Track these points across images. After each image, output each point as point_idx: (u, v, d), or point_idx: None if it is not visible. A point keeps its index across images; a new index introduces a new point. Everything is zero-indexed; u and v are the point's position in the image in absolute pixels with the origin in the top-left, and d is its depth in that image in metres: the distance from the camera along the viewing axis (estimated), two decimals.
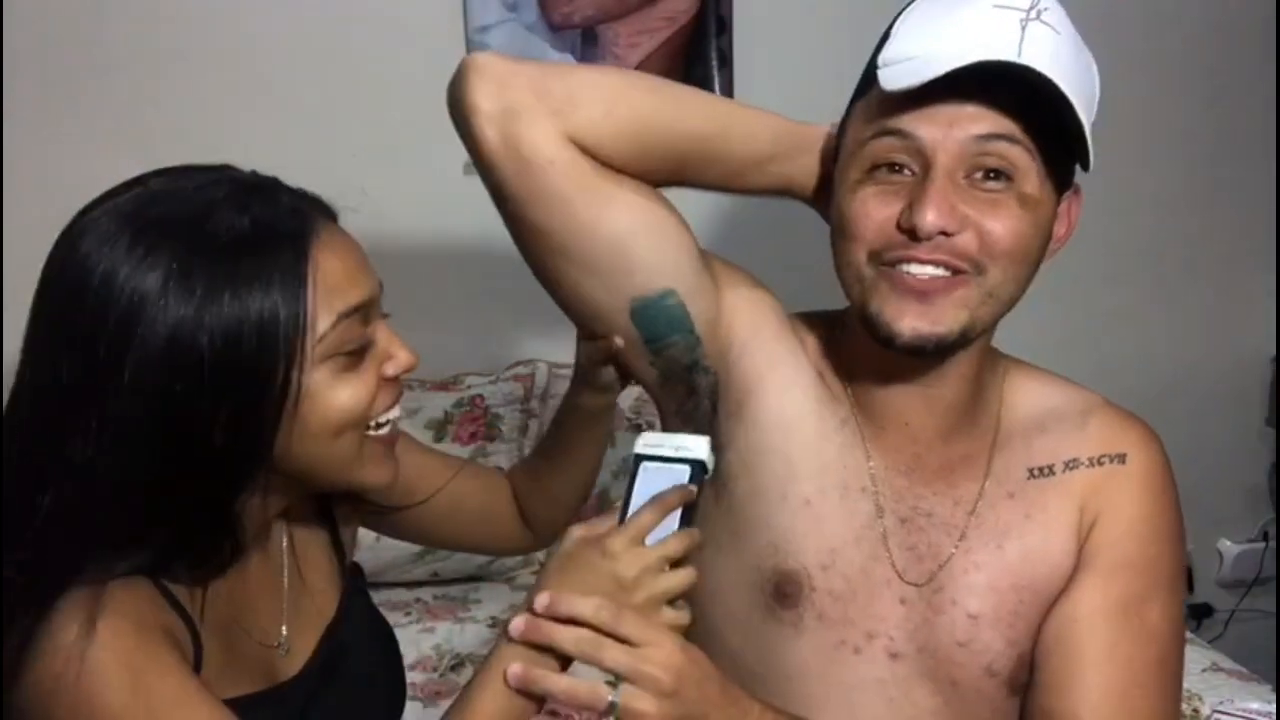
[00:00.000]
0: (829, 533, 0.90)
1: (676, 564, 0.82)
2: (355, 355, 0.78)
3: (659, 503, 0.82)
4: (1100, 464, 0.91)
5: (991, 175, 0.80)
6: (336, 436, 0.78)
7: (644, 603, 0.80)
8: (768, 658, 0.92)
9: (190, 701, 0.72)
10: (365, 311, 0.79)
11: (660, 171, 0.88)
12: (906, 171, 0.81)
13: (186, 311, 0.71)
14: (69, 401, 0.72)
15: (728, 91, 2.25)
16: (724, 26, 2.25)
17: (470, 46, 2.16)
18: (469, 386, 2.20)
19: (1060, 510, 0.90)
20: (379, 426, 0.82)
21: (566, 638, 0.76)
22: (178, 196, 0.76)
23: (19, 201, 2.01)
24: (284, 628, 0.89)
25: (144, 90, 2.05)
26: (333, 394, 0.77)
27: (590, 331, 0.97)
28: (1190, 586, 2.73)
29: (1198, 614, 2.73)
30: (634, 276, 0.88)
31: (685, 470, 0.84)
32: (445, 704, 1.70)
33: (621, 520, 0.83)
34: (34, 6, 1.99)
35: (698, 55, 2.26)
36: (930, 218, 0.78)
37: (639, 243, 0.88)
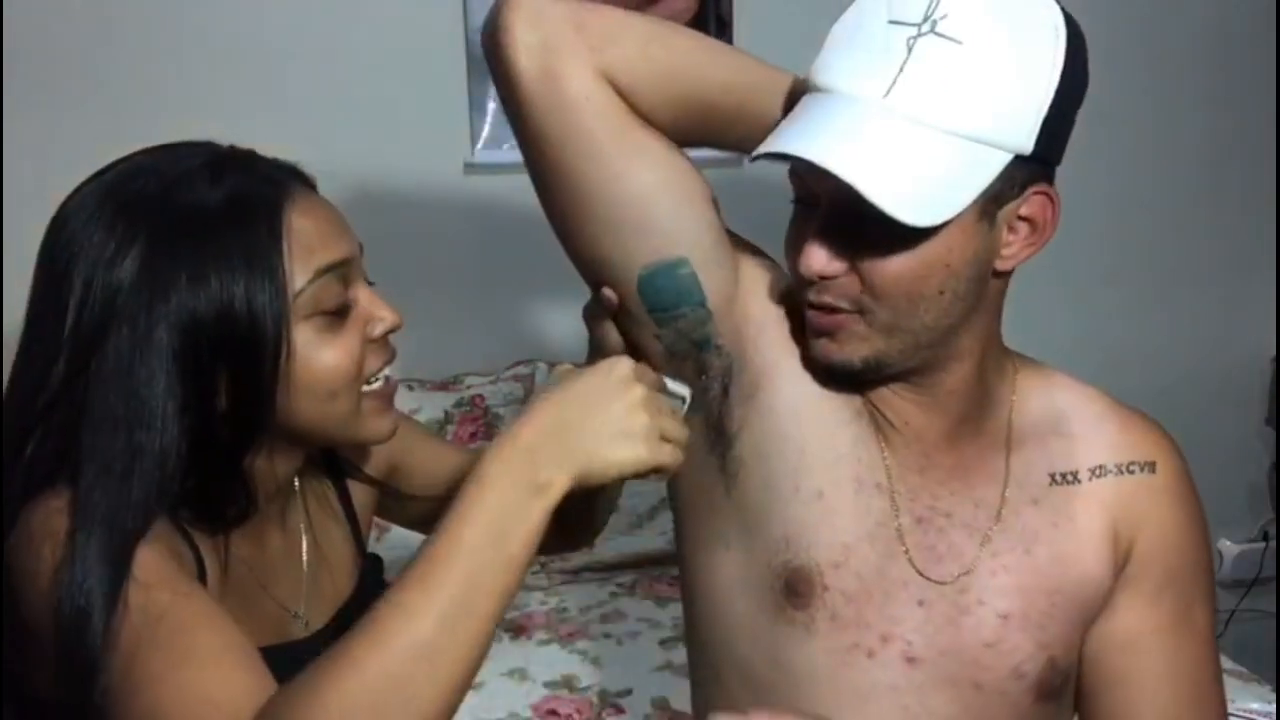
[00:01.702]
0: (842, 528, 0.86)
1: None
2: (337, 315, 0.80)
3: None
4: (1129, 472, 0.90)
5: (870, 218, 0.75)
6: (331, 398, 0.81)
7: (640, 428, 0.75)
8: (777, 662, 0.87)
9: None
10: (342, 271, 0.81)
11: (688, 121, 0.86)
12: (816, 206, 0.81)
13: (171, 295, 0.75)
14: (63, 386, 0.75)
15: None
16: (724, 26, 2.25)
17: (470, 47, 2.16)
18: (469, 386, 2.20)
19: (1090, 519, 0.88)
20: (372, 382, 0.84)
21: None
22: (156, 171, 0.79)
23: (19, 201, 2.01)
24: (302, 602, 0.92)
25: (144, 89, 2.05)
26: (319, 355, 0.79)
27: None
28: None
29: None
30: (650, 238, 0.85)
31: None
32: None
33: None
34: (34, 6, 1.99)
35: None
36: (805, 264, 0.80)
37: (661, 202, 0.85)
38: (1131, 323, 2.57)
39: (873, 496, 0.86)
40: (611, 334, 0.93)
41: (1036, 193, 0.80)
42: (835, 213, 0.78)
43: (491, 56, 0.86)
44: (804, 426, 0.87)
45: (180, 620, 0.72)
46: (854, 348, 0.82)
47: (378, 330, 0.83)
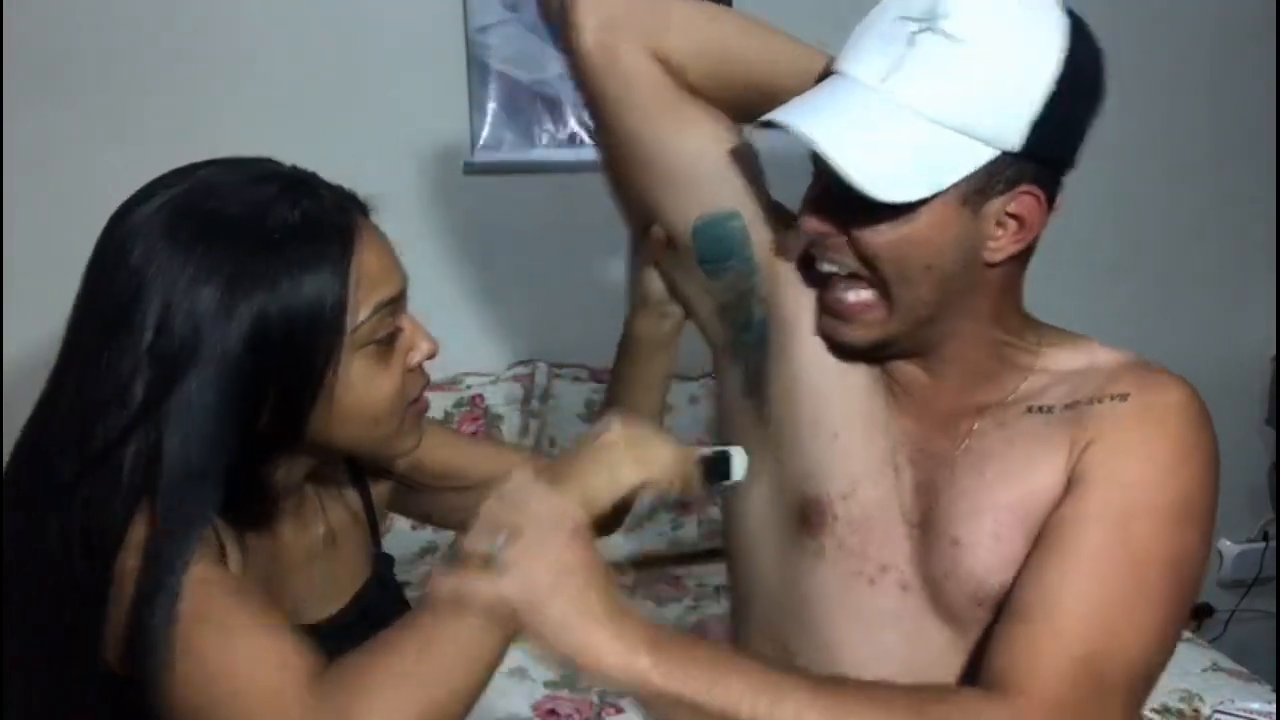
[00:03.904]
0: (852, 465, 0.93)
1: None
2: (386, 344, 0.83)
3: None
4: (1100, 401, 0.88)
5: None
6: (375, 424, 0.84)
7: (621, 458, 0.84)
8: (792, 583, 0.96)
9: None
10: (396, 304, 0.84)
11: (733, 97, 0.94)
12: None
13: (241, 325, 0.76)
14: (144, 408, 0.77)
15: None
16: None
17: (470, 46, 2.16)
18: (469, 386, 2.20)
19: (1048, 437, 0.88)
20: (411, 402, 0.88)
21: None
22: (232, 192, 0.80)
23: (19, 201, 2.01)
24: (315, 595, 0.94)
25: (144, 89, 2.05)
26: (370, 384, 0.82)
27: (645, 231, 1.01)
28: None
29: (1198, 614, 2.73)
30: (700, 193, 0.94)
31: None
32: None
33: None
34: (34, 6, 1.99)
35: None
36: (802, 223, 0.88)
37: (710, 162, 0.94)
38: (1131, 323, 2.56)
39: (877, 440, 0.94)
40: (655, 282, 1.03)
41: (1024, 191, 0.83)
42: (832, 182, 0.83)
43: (560, 31, 0.96)
44: (824, 375, 0.95)
45: (228, 601, 0.76)
46: (864, 331, 0.89)
47: (416, 359, 0.86)
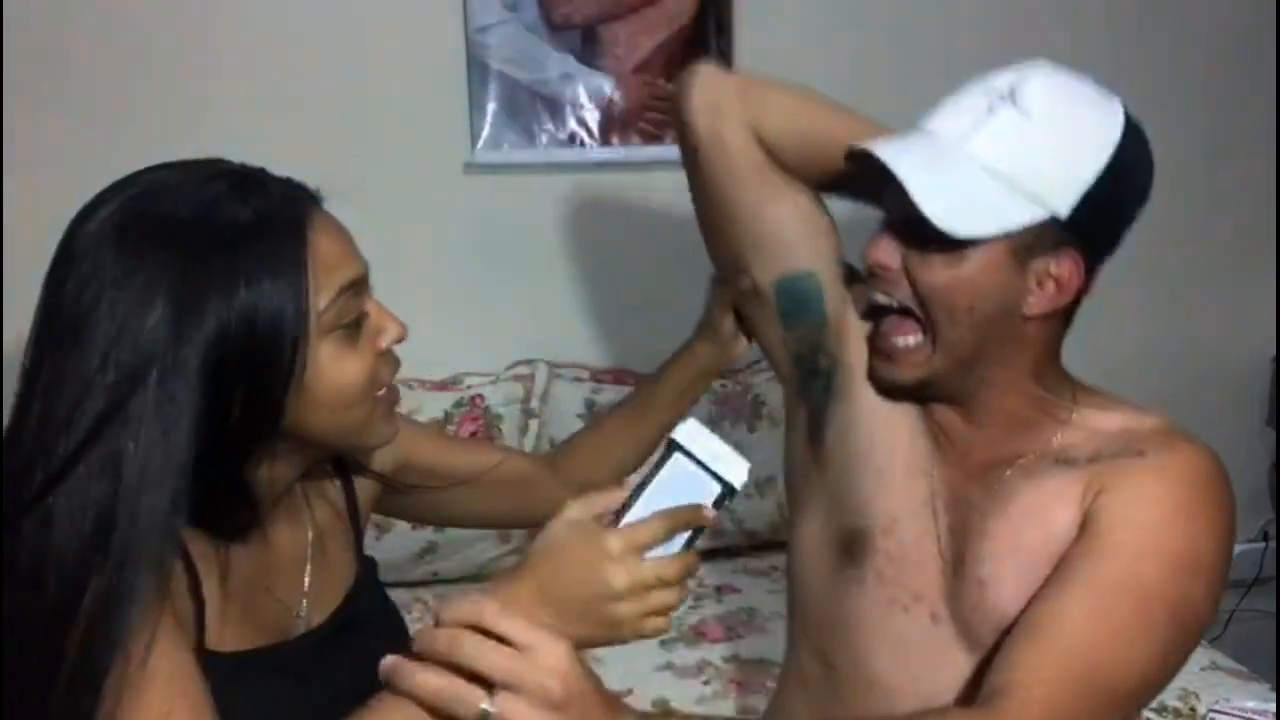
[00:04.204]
0: (893, 502, 1.02)
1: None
2: (352, 328, 0.83)
3: (673, 518, 0.78)
4: (1118, 457, 0.96)
5: (926, 234, 0.93)
6: (347, 408, 0.84)
7: (625, 618, 0.76)
8: (836, 607, 1.05)
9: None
10: (358, 287, 0.84)
11: (819, 173, 1.06)
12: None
13: (203, 317, 0.75)
14: (79, 420, 0.75)
15: None
16: (724, 26, 2.25)
17: (470, 46, 2.17)
18: (469, 386, 2.20)
19: (1068, 486, 0.95)
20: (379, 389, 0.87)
21: (440, 639, 0.71)
22: (180, 192, 0.79)
23: (19, 201, 2.01)
24: (304, 599, 0.94)
25: (144, 89, 2.05)
26: (339, 368, 0.82)
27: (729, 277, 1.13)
28: None
29: None
30: (785, 254, 1.07)
31: (715, 489, 0.80)
32: None
33: (629, 503, 0.78)
34: (34, 6, 1.99)
35: (698, 55, 2.25)
36: (868, 252, 0.98)
37: (792, 228, 1.07)
38: (1132, 324, 2.57)
39: (918, 481, 1.02)
40: (729, 321, 1.17)
41: (1067, 256, 0.94)
42: (902, 222, 0.95)
43: (673, 112, 1.10)
44: (875, 420, 1.05)
45: (149, 670, 0.74)
46: (910, 371, 0.99)
47: (385, 342, 0.86)
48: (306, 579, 0.95)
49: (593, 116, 2.24)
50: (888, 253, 0.96)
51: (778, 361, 1.14)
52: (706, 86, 1.06)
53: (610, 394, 2.23)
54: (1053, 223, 0.92)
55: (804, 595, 1.11)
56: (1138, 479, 0.93)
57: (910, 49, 2.27)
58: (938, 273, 0.94)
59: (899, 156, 0.92)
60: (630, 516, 0.78)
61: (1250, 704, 1.66)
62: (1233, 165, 2.56)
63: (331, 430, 0.84)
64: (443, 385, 2.19)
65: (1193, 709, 1.68)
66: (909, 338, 0.98)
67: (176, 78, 2.06)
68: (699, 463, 0.79)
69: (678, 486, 0.79)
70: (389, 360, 0.87)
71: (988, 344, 0.96)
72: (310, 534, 0.96)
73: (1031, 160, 0.92)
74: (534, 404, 2.22)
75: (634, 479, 0.79)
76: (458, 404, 2.17)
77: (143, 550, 0.74)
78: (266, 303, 0.77)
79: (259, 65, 2.10)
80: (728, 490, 0.80)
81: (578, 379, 2.26)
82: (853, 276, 1.08)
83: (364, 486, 1.04)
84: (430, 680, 0.71)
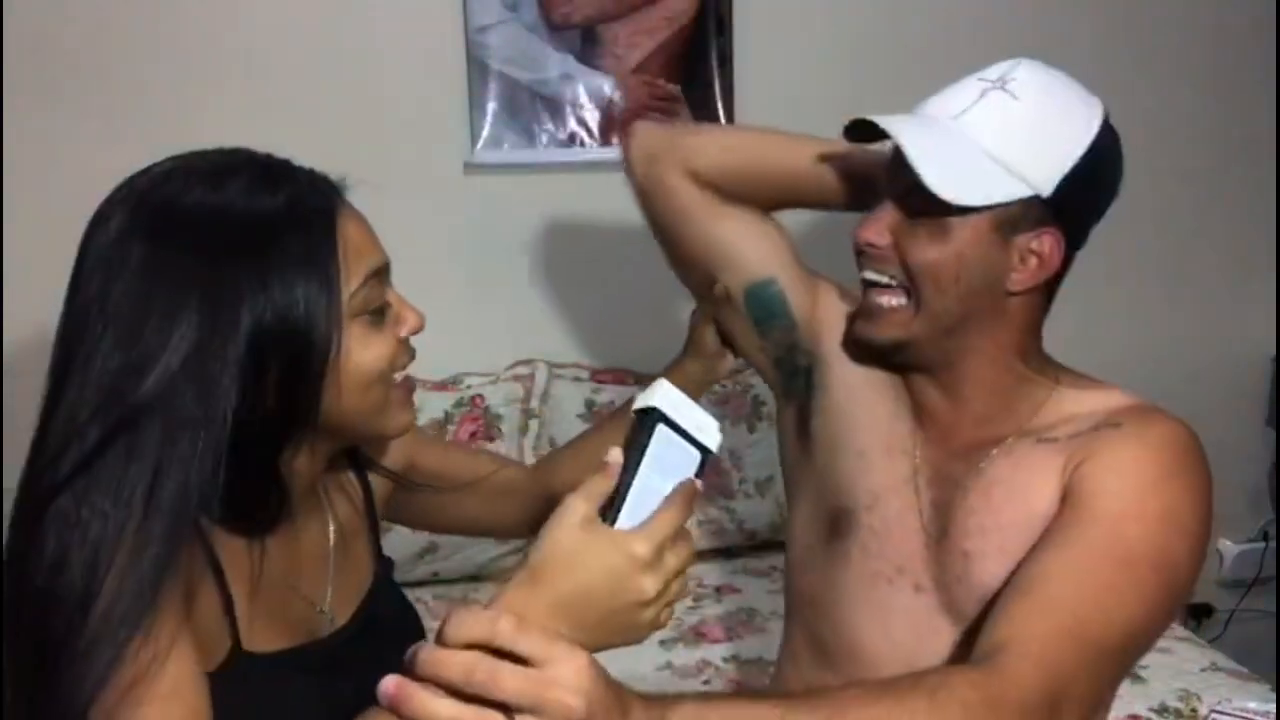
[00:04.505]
0: (874, 480, 1.08)
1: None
2: (378, 314, 0.86)
3: (680, 505, 0.74)
4: (1096, 430, 0.99)
5: (916, 211, 0.99)
6: (367, 390, 0.85)
7: (651, 619, 0.73)
8: (825, 582, 1.11)
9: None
10: (383, 274, 0.87)
11: (760, 197, 1.16)
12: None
13: (236, 308, 0.77)
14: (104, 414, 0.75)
15: (727, 91, 2.26)
16: (724, 26, 2.25)
17: (470, 46, 2.17)
18: (469, 386, 2.20)
19: (1048, 463, 0.99)
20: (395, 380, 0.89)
21: (451, 664, 0.65)
22: (207, 181, 0.80)
23: (19, 201, 2.01)
24: (329, 598, 0.95)
25: (144, 88, 2.05)
26: (364, 351, 0.84)
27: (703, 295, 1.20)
28: None
29: (1198, 614, 2.73)
30: (747, 264, 1.15)
31: (696, 457, 0.76)
32: None
33: (623, 487, 0.72)
34: (34, 6, 1.99)
35: (698, 55, 2.26)
36: (860, 232, 1.03)
37: (745, 242, 1.15)
38: (1132, 323, 2.57)
39: (899, 460, 1.08)
40: (711, 336, 1.22)
41: (1047, 233, 0.99)
42: (893, 202, 1.01)
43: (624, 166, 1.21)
44: (855, 403, 1.12)
45: (149, 680, 0.73)
46: (890, 330, 1.03)
47: (405, 331, 0.89)
48: (330, 575, 0.95)
49: (593, 116, 2.24)
50: (878, 231, 1.01)
51: (761, 368, 1.20)
52: (642, 140, 1.18)
53: (610, 394, 2.23)
54: (1035, 200, 0.97)
55: (795, 576, 1.17)
56: (1116, 448, 0.97)
57: (910, 48, 2.27)
58: (926, 247, 0.99)
59: (900, 126, 0.98)
60: (631, 502, 0.73)
61: (1252, 704, 1.66)
62: (1233, 165, 2.56)
63: (354, 414, 0.85)
64: (443, 385, 2.19)
65: (1194, 709, 1.68)
66: (893, 298, 1.03)
67: (177, 78, 2.06)
68: (681, 431, 0.75)
69: (665, 461, 0.74)
70: (407, 349, 0.89)
71: (971, 315, 1.01)
72: (333, 530, 0.97)
73: (1018, 139, 0.97)
74: (534, 404, 2.22)
75: (616, 455, 0.73)
76: (458, 404, 2.17)
77: (167, 538, 0.74)
78: (300, 295, 0.79)
79: (259, 65, 2.10)
80: (706, 456, 0.76)
81: (578, 379, 2.26)
82: (813, 280, 1.17)
83: (379, 486, 1.05)
84: (442, 710, 0.65)
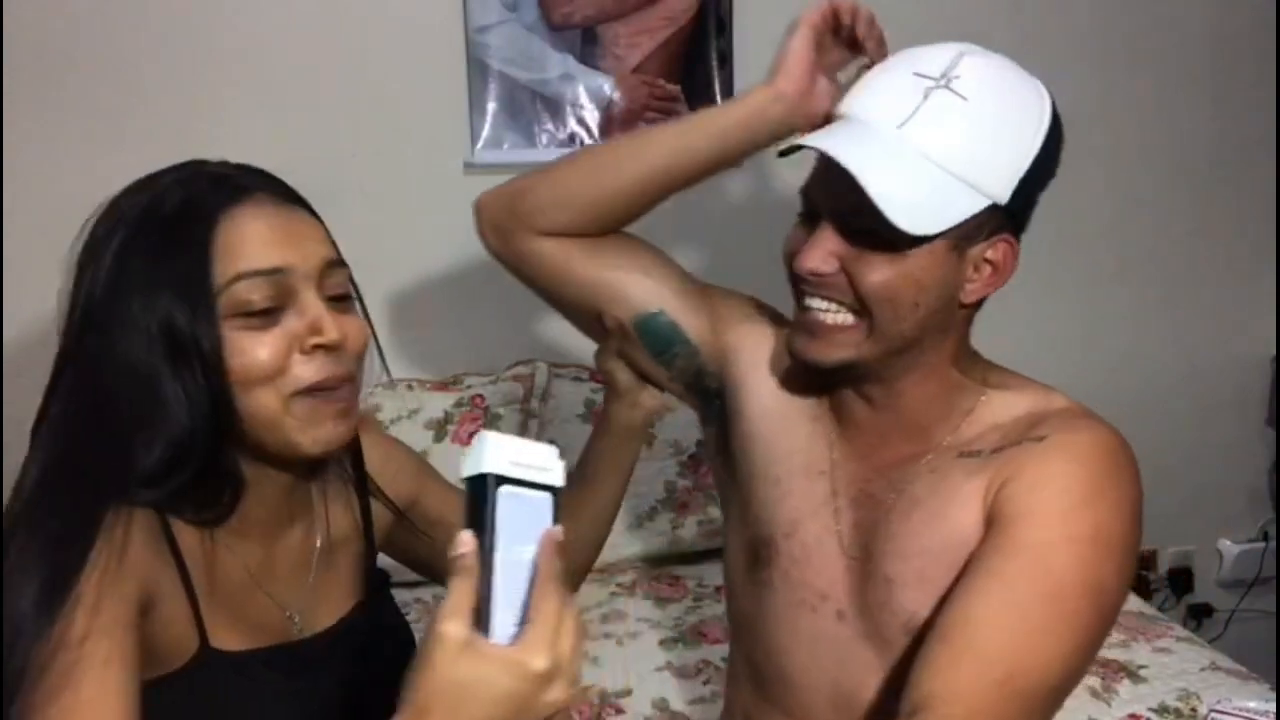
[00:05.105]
0: (792, 507, 1.03)
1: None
2: (263, 316, 0.84)
3: (552, 584, 0.69)
4: (1019, 444, 0.94)
5: (861, 232, 0.91)
6: (252, 394, 0.84)
7: (559, 698, 0.69)
8: (753, 608, 1.07)
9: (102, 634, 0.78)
10: (275, 279, 0.84)
11: (636, 213, 1.08)
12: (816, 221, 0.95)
13: (132, 306, 0.82)
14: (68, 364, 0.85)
15: (727, 91, 2.26)
16: (724, 26, 2.25)
17: (470, 46, 2.17)
18: (469, 386, 2.20)
19: (969, 482, 0.94)
20: (310, 392, 0.86)
21: None
22: (141, 189, 0.86)
23: (19, 200, 2.01)
24: (301, 605, 0.94)
25: (144, 89, 2.05)
26: (240, 354, 0.83)
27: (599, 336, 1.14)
28: (1190, 586, 2.73)
29: (1197, 614, 2.73)
30: (631, 301, 1.09)
31: (548, 501, 0.71)
32: None
33: (486, 586, 0.67)
34: (34, 6, 1.99)
35: (698, 55, 2.26)
36: (801, 262, 0.93)
37: (625, 278, 1.09)
38: (1133, 324, 2.57)
39: (817, 482, 1.03)
40: (622, 372, 1.14)
41: (1002, 240, 0.93)
42: (834, 222, 0.92)
43: None
44: (770, 426, 1.07)
45: (79, 661, 0.74)
46: (837, 351, 0.95)
47: (312, 342, 0.85)
48: (309, 584, 0.95)
49: (592, 116, 2.24)
50: (822, 258, 0.92)
51: (677, 395, 1.15)
52: (486, 216, 1.11)
53: None
54: (992, 208, 0.90)
55: (730, 600, 1.14)
56: (1039, 466, 0.91)
57: (909, 48, 2.26)
58: (881, 271, 0.91)
59: (848, 151, 0.88)
60: (500, 596, 0.68)
61: (1252, 704, 1.65)
62: (1233, 166, 2.56)
63: (252, 418, 0.85)
64: (443, 385, 2.19)
65: (1194, 709, 1.68)
66: (841, 318, 0.94)
67: (177, 79, 2.06)
68: (522, 483, 0.70)
69: (517, 525, 0.69)
70: (314, 362, 0.85)
71: (924, 334, 0.94)
72: (320, 539, 0.96)
73: (971, 147, 0.89)
74: (534, 404, 2.22)
75: (466, 541, 0.68)
76: (458, 404, 2.17)
77: (74, 521, 0.79)
78: (169, 299, 0.82)
79: (259, 65, 2.10)
80: (556, 494, 0.71)
81: (577, 379, 2.26)
82: (711, 298, 1.11)
83: (381, 511, 1.05)
84: None
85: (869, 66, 1.01)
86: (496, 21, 2.17)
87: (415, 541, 1.09)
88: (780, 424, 1.06)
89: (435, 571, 1.16)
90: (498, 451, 0.69)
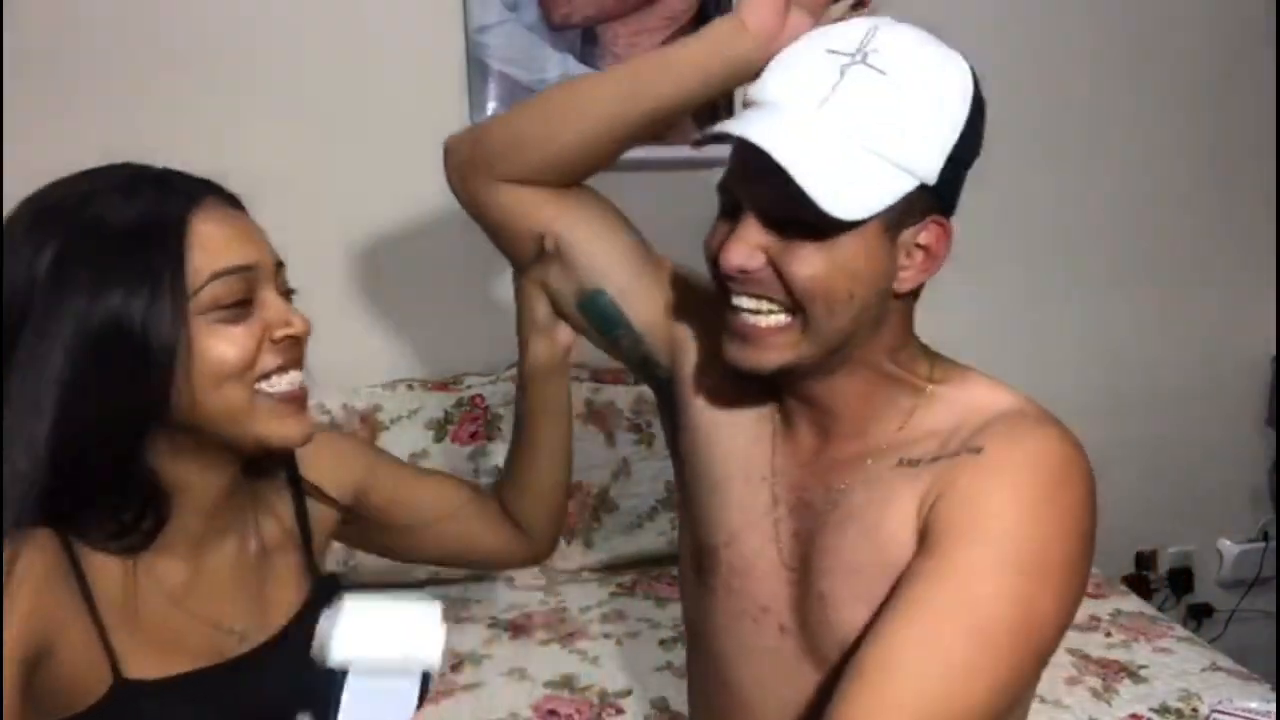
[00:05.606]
0: (733, 515, 0.99)
1: None
2: (236, 310, 0.85)
3: None
4: (957, 455, 0.87)
5: (787, 222, 0.85)
6: (218, 387, 0.84)
7: None
8: (700, 615, 1.04)
9: None
10: (246, 275, 0.86)
11: (594, 160, 1.00)
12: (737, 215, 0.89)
13: (74, 299, 0.81)
14: None
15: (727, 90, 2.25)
16: None
17: (470, 46, 2.16)
18: (469, 386, 2.20)
19: (903, 494, 0.88)
20: (269, 382, 0.88)
21: None
22: (76, 186, 0.86)
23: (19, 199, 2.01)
24: (243, 618, 0.93)
25: (143, 90, 2.05)
26: (211, 346, 0.84)
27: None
28: (1190, 586, 2.73)
29: (1198, 614, 2.73)
30: (576, 275, 1.03)
31: (415, 682, 0.64)
32: (446, 704, 1.71)
33: None
34: (34, 6, 1.99)
35: None
36: (726, 259, 0.87)
37: (575, 250, 1.02)
38: (1133, 324, 2.57)
39: (758, 490, 0.98)
40: (541, 304, 1.07)
41: (933, 221, 0.87)
42: (758, 214, 0.86)
43: None
44: (714, 428, 1.01)
45: None
46: (774, 355, 0.89)
47: (279, 333, 0.87)
48: (245, 595, 0.94)
49: None
50: (748, 253, 0.86)
51: (622, 363, 1.09)
52: (452, 158, 1.05)
53: (610, 394, 2.23)
54: (921, 189, 0.84)
55: (682, 605, 1.10)
56: (973, 481, 0.84)
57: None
58: (812, 263, 0.85)
59: (767, 136, 0.82)
60: None
61: (1253, 704, 1.66)
62: (1233, 166, 2.57)
63: (215, 414, 0.85)
64: (443, 385, 2.19)
65: (1194, 709, 1.68)
66: (774, 319, 0.88)
67: (177, 79, 2.06)
68: (383, 668, 0.62)
69: (368, 714, 0.62)
70: (279, 351, 0.88)
71: (860, 328, 0.88)
72: (253, 547, 0.96)
73: (897, 125, 0.83)
74: None
75: None
76: (458, 404, 2.17)
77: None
78: (139, 305, 0.81)
79: (259, 66, 2.09)
80: (426, 676, 0.64)
81: (577, 379, 2.26)
82: (663, 277, 1.04)
83: (321, 509, 1.04)
84: None
85: (858, 6, 0.95)
86: (496, 21, 2.17)
87: (369, 529, 1.10)
88: (725, 427, 1.00)
89: (397, 555, 1.18)
90: (352, 633, 0.62)
